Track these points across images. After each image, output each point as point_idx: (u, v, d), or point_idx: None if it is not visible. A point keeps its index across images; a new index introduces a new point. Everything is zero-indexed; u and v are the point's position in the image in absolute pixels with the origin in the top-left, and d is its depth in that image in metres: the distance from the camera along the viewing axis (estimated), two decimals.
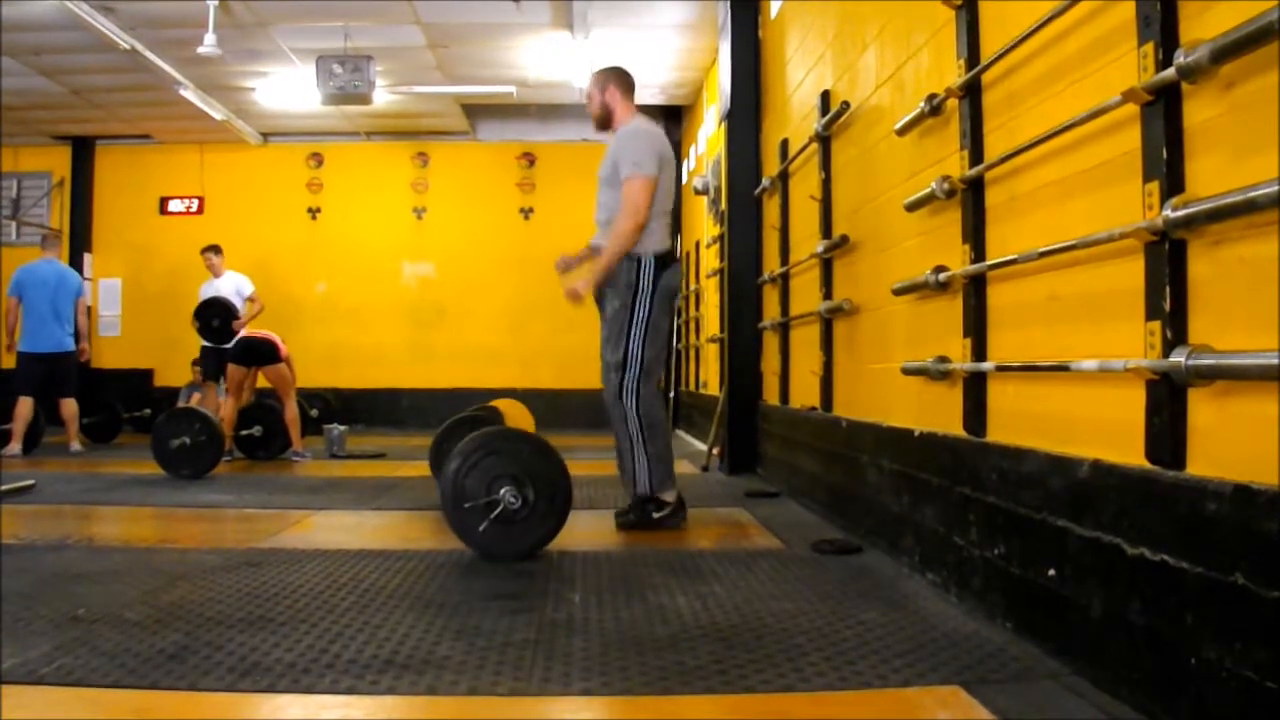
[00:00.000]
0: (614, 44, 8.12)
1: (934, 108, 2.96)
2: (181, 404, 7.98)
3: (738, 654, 2.15)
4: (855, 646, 2.21)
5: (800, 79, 4.98)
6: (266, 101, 9.83)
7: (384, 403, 11.14)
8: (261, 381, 7.19)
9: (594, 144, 4.34)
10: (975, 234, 2.68)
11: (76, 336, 7.85)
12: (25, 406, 7.36)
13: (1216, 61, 1.61)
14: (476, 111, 10.91)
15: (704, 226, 8.49)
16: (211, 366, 7.83)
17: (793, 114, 5.17)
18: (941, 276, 2.86)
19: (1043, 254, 2.23)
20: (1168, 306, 1.76)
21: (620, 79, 4.16)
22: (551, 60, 8.67)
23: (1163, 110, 1.78)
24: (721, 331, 6.54)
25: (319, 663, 2.07)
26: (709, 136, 8.49)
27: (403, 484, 5.58)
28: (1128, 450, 1.88)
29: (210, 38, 7.10)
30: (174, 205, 11.36)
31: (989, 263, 2.58)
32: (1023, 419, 2.44)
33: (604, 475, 4.86)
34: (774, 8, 5.70)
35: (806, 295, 4.73)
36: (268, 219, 11.23)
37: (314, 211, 11.43)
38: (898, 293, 3.24)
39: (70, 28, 7.37)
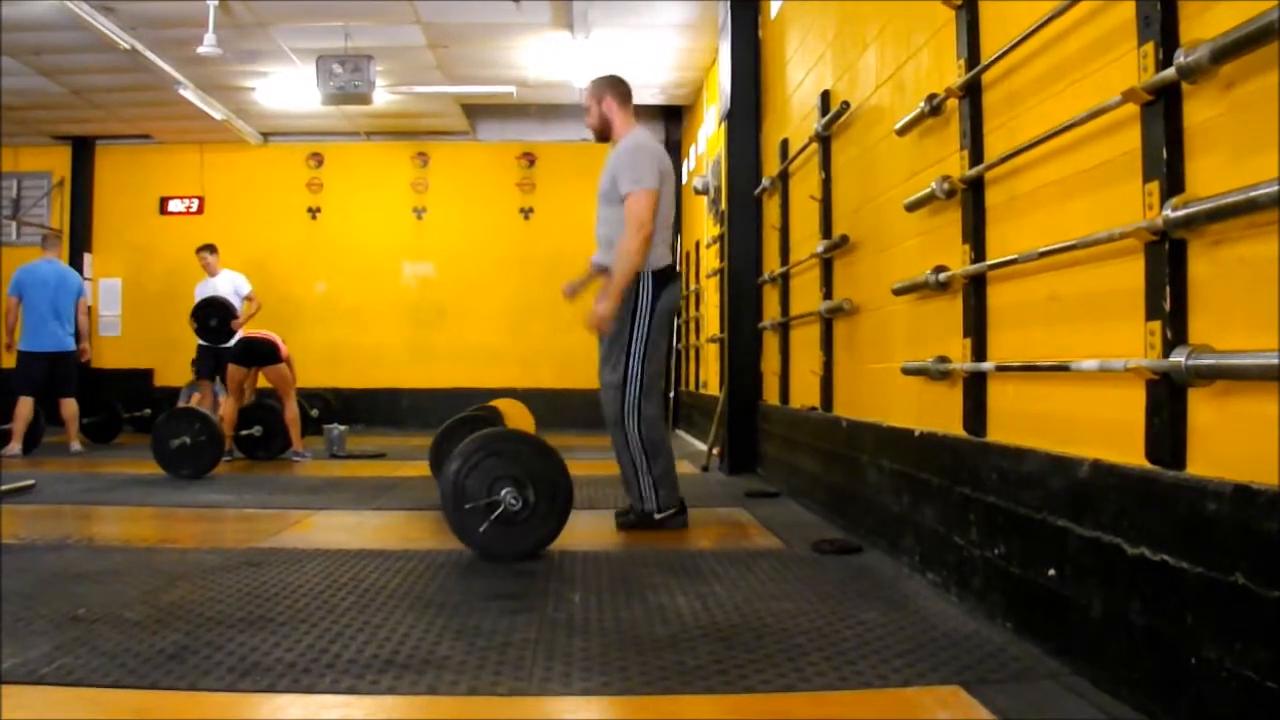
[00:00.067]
0: (614, 44, 8.13)
1: (934, 108, 2.96)
2: (182, 404, 7.97)
3: (738, 654, 2.15)
4: (855, 646, 2.22)
5: (800, 79, 4.98)
6: (266, 101, 9.83)
7: (384, 403, 11.14)
8: (262, 381, 7.19)
9: (594, 144, 4.33)
10: (975, 234, 2.68)
11: (77, 336, 7.85)
12: (25, 406, 7.36)
13: (1216, 61, 1.61)
14: (476, 111, 10.91)
15: (704, 226, 8.49)
16: (207, 366, 7.82)
17: (793, 114, 5.17)
18: (941, 276, 2.86)
19: (1043, 254, 2.23)
20: (1168, 306, 1.76)
21: (616, 89, 4.12)
22: (551, 60, 8.68)
23: (1163, 110, 1.78)
24: (721, 331, 6.54)
25: (319, 663, 2.07)
26: (709, 136, 8.49)
27: (403, 484, 5.58)
28: (1128, 450, 1.88)
29: (210, 38, 7.10)
30: (174, 205, 11.36)
31: (989, 263, 2.58)
32: (1023, 419, 2.44)
33: (604, 475, 4.86)
34: (774, 8, 5.70)
35: (806, 295, 4.73)
36: (268, 219, 11.23)
37: (314, 211, 11.43)
38: (898, 293, 3.24)
39: (70, 28, 7.37)
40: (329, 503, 4.77)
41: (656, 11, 7.58)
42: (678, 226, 7.99)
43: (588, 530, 3.87)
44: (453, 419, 5.51)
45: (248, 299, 7.99)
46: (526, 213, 11.42)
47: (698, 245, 9.08)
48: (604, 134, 4.14)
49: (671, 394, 10.03)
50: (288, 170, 11.36)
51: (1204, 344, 1.69)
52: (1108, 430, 2.00)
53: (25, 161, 11.20)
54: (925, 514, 2.92)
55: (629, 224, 3.82)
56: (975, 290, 2.69)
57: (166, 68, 8.42)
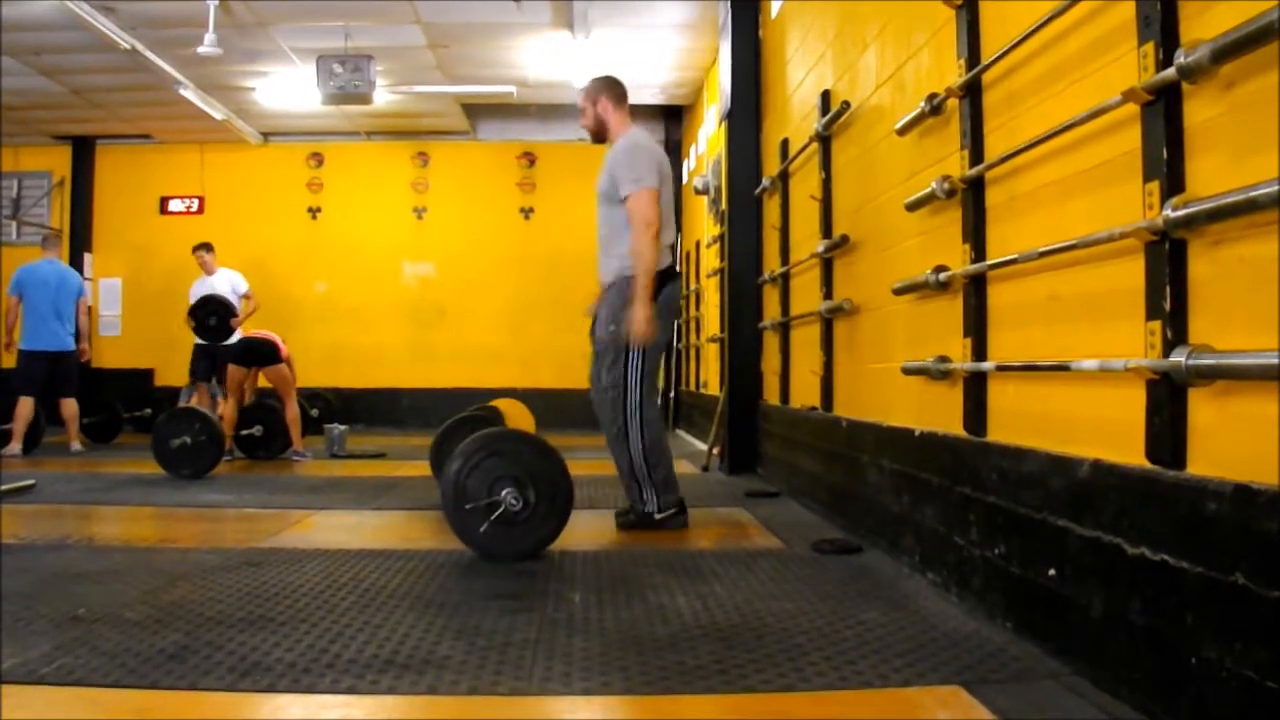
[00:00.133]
0: (614, 44, 8.13)
1: (934, 107, 2.96)
2: (182, 404, 7.97)
3: (738, 654, 2.15)
4: (855, 646, 2.22)
5: (801, 79, 4.98)
6: (267, 101, 9.83)
7: (384, 403, 11.14)
8: (262, 381, 7.19)
9: (594, 144, 4.34)
10: (975, 234, 2.68)
11: (77, 337, 7.85)
12: (26, 406, 7.36)
13: (1217, 61, 1.61)
14: (477, 111, 10.91)
15: (704, 226, 8.49)
16: (203, 367, 7.80)
17: (793, 114, 5.17)
18: (942, 276, 2.86)
19: (1043, 254, 2.23)
20: (1168, 306, 1.76)
21: (611, 89, 4.13)
22: (552, 60, 8.68)
23: (1163, 110, 1.78)
24: (722, 331, 6.54)
25: (319, 662, 2.07)
26: (709, 136, 8.49)
27: (403, 484, 5.58)
28: (1128, 450, 1.88)
29: (210, 37, 7.10)
30: (174, 205, 11.36)
31: (989, 262, 2.58)
32: (1023, 419, 2.44)
33: (604, 475, 4.85)
34: (774, 7, 5.70)
35: (807, 295, 4.73)
36: (268, 219, 11.23)
37: (314, 211, 11.43)
38: (898, 292, 3.24)
39: (70, 27, 7.37)
40: (329, 502, 4.77)
41: (656, 11, 7.58)
42: (678, 226, 7.99)
43: (588, 530, 3.87)
44: (453, 419, 5.51)
45: (245, 298, 7.98)
46: (527, 213, 11.42)
47: (698, 245, 9.08)
48: (600, 135, 4.15)
49: (671, 394, 10.03)
50: (288, 170, 11.36)
51: (1204, 344, 1.68)
52: (1108, 430, 2.00)
53: (25, 161, 11.20)
54: (925, 514, 2.92)
55: (635, 225, 3.83)
56: (975, 290, 2.69)
57: (167, 68, 8.42)
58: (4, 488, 4.83)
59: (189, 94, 9.02)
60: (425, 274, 11.44)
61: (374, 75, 8.04)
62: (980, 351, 2.67)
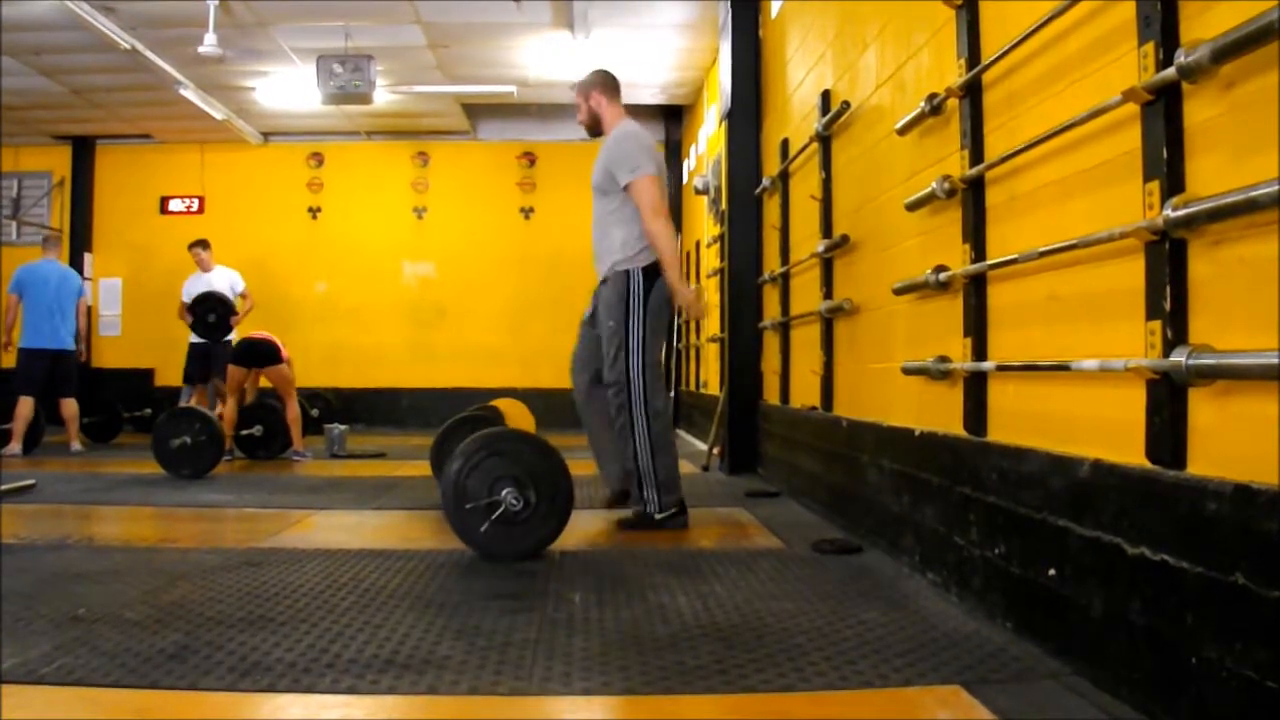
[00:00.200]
0: (614, 44, 8.13)
1: (934, 107, 2.96)
2: (182, 404, 7.97)
3: (738, 653, 2.15)
4: (855, 646, 2.21)
5: (801, 79, 4.98)
6: (267, 101, 9.83)
7: (384, 402, 11.14)
8: (262, 381, 7.19)
9: (595, 144, 4.35)
10: (975, 234, 2.68)
11: (75, 338, 7.85)
12: (26, 406, 7.36)
13: (1217, 61, 1.61)
14: (477, 111, 10.92)
15: (704, 226, 8.49)
16: (198, 368, 7.78)
17: (793, 113, 5.17)
18: (942, 276, 2.86)
19: (1043, 254, 2.23)
20: (1168, 306, 1.76)
21: (604, 83, 4.17)
22: (552, 60, 8.68)
23: (1163, 110, 1.78)
24: (722, 331, 6.54)
25: (319, 662, 2.07)
26: (709, 136, 8.49)
27: (403, 484, 5.58)
28: (1128, 450, 1.88)
29: (210, 37, 7.10)
30: (174, 205, 11.37)
31: (989, 262, 2.58)
32: (1023, 419, 2.44)
33: None
34: (774, 7, 5.70)
35: (807, 295, 4.73)
36: (268, 219, 11.24)
37: (314, 211, 11.43)
38: (898, 292, 3.24)
39: (70, 27, 7.37)
40: (329, 502, 4.77)
41: (656, 11, 7.58)
42: (678, 226, 7.99)
43: (588, 530, 3.87)
44: (454, 419, 5.51)
45: (242, 296, 7.96)
46: (527, 212, 11.42)
47: (698, 245, 9.08)
48: (595, 129, 4.21)
49: (672, 394, 10.03)
50: (288, 170, 11.36)
51: (1204, 344, 1.68)
52: (1108, 430, 2.00)
53: (25, 161, 11.20)
54: (925, 514, 2.92)
55: (643, 212, 3.88)
56: (975, 290, 2.69)
57: (167, 68, 8.42)
58: (4, 488, 4.83)
59: (189, 94, 9.02)
60: (425, 274, 11.44)
61: (374, 75, 8.04)
62: (980, 351, 2.67)
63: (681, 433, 9.67)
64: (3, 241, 10.81)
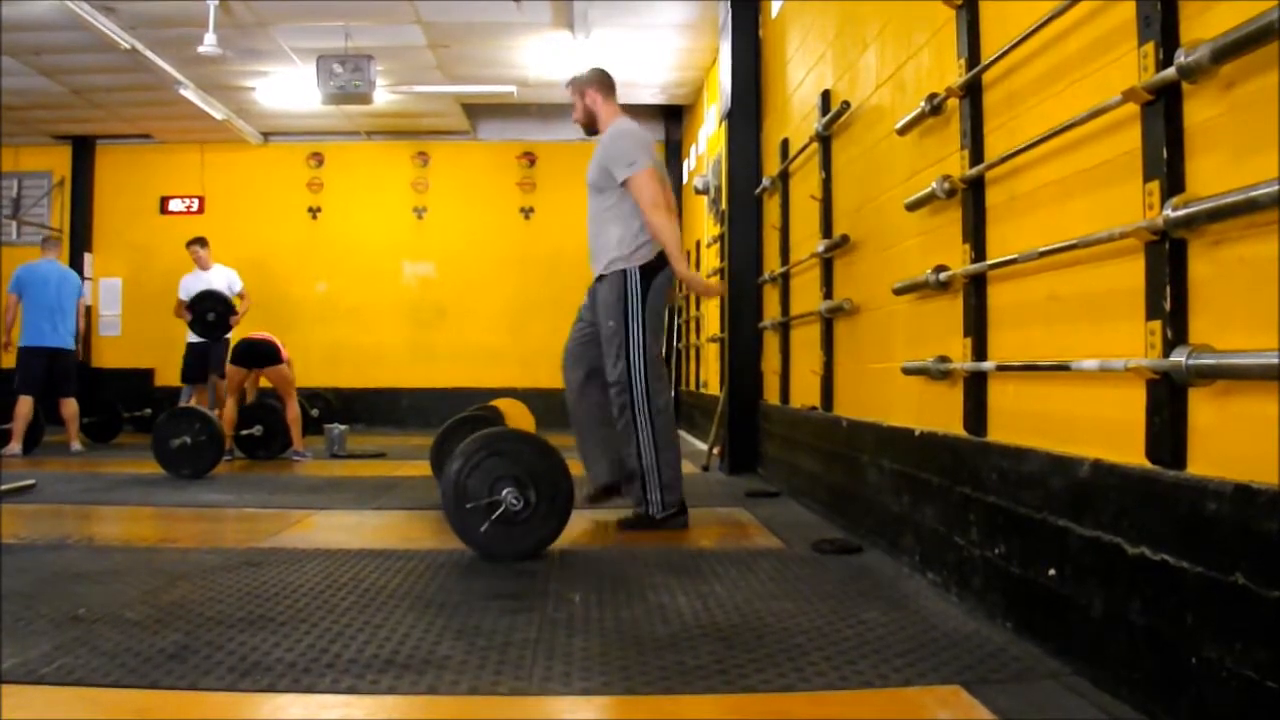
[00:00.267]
0: (614, 44, 8.13)
1: (934, 107, 2.96)
2: (182, 404, 7.97)
3: (738, 653, 2.15)
4: (855, 646, 2.21)
5: (801, 79, 4.98)
6: (267, 101, 9.83)
7: (384, 402, 11.14)
8: (262, 381, 7.19)
9: (589, 138, 4.36)
10: (975, 233, 2.68)
11: (74, 338, 7.85)
12: (25, 406, 7.36)
13: (1217, 61, 1.61)
14: (477, 111, 10.91)
15: (704, 226, 8.49)
16: (197, 368, 7.77)
17: (793, 113, 5.17)
18: (942, 276, 2.86)
19: (1043, 253, 2.23)
20: (1168, 306, 1.76)
21: (599, 81, 4.18)
22: (552, 60, 8.68)
23: (1163, 110, 1.78)
24: (722, 331, 6.54)
25: (319, 662, 2.07)
26: (709, 136, 8.49)
27: (403, 484, 5.58)
28: (1128, 450, 1.88)
29: (210, 37, 7.10)
30: (174, 205, 11.37)
31: (989, 262, 2.58)
32: (1023, 418, 2.44)
33: None
34: (774, 7, 5.70)
35: (807, 295, 4.73)
36: (268, 219, 11.24)
37: (314, 211, 11.43)
38: (898, 292, 3.24)
39: (70, 27, 7.37)
40: (329, 502, 4.77)
41: (656, 11, 7.58)
42: (678, 223, 7.97)
43: (588, 530, 3.87)
44: (454, 419, 5.51)
45: (240, 296, 7.94)
46: (527, 212, 11.42)
47: (698, 245, 9.08)
48: (592, 127, 4.22)
49: (672, 394, 10.03)
50: (288, 170, 11.36)
51: (1204, 344, 1.68)
52: (1108, 430, 2.00)
53: (25, 161, 11.20)
54: (925, 514, 2.92)
55: (643, 206, 3.88)
56: (975, 290, 2.69)
57: (167, 67, 8.42)
58: (4, 488, 4.83)
59: (189, 94, 9.02)
60: (425, 274, 11.44)
61: (374, 75, 8.04)
62: (980, 351, 2.67)
63: (681, 433, 9.66)
64: (3, 241, 10.81)
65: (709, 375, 8.25)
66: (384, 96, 9.08)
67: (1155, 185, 1.80)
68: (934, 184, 2.87)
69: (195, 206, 11.35)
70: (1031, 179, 2.40)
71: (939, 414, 2.92)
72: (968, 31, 2.74)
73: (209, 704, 1.86)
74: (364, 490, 5.27)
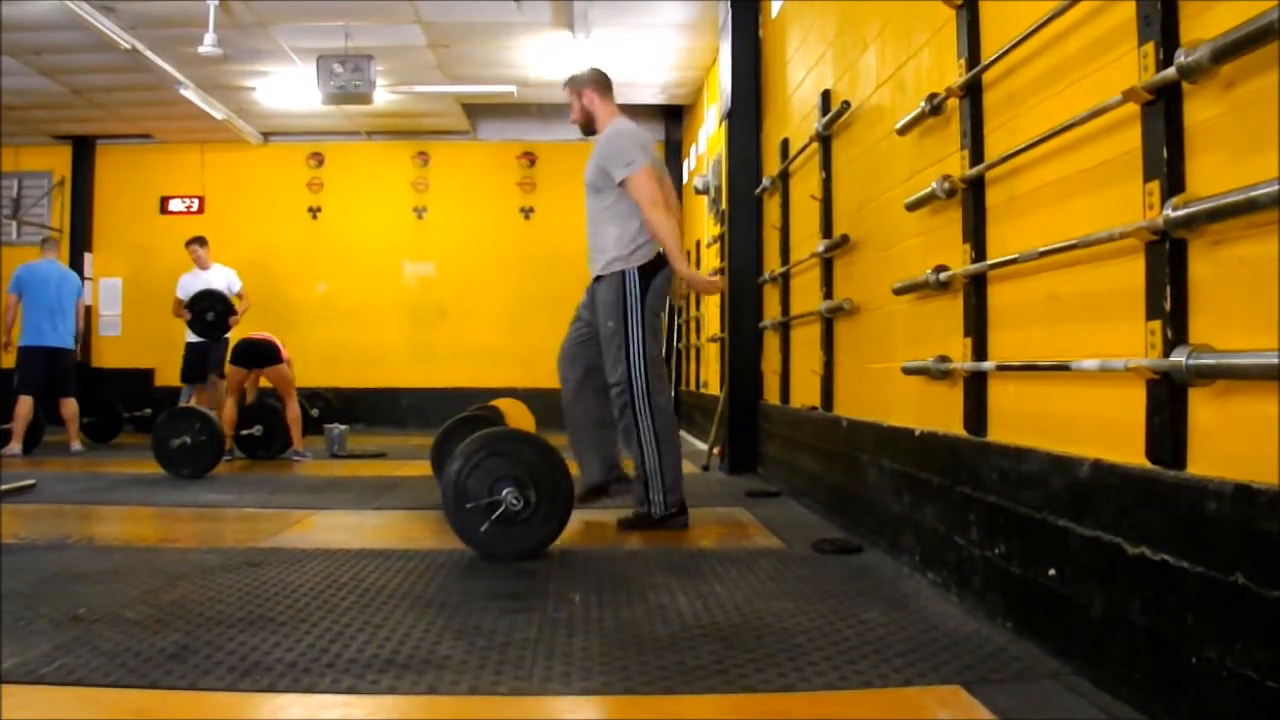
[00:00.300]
0: (614, 44, 8.13)
1: (934, 107, 2.96)
2: (182, 404, 7.97)
3: (738, 653, 2.15)
4: (856, 646, 2.21)
5: (801, 78, 4.98)
6: (267, 101, 9.83)
7: (384, 402, 11.14)
8: (262, 381, 7.19)
9: (587, 138, 4.36)
10: (976, 233, 2.68)
11: (74, 338, 7.85)
12: (25, 406, 7.36)
13: (1217, 61, 1.61)
14: (477, 111, 10.92)
15: (704, 226, 8.49)
16: (196, 368, 7.76)
17: (793, 113, 5.17)
18: (942, 276, 2.86)
19: (1043, 253, 2.23)
20: (1168, 306, 1.76)
21: (595, 81, 4.18)
22: (552, 60, 8.68)
23: (1163, 110, 1.78)
24: (722, 331, 6.54)
25: (319, 662, 2.07)
26: (709, 136, 8.49)
27: (403, 484, 5.58)
28: (1128, 450, 1.88)
29: (211, 37, 7.10)
30: (174, 205, 11.37)
31: (989, 262, 2.58)
32: (1023, 418, 2.44)
33: None
34: (774, 7, 5.70)
35: (807, 295, 4.73)
36: (268, 218, 11.24)
37: (314, 211, 11.43)
38: (898, 292, 3.24)
39: (71, 27, 7.37)
40: (329, 502, 4.77)
41: (656, 11, 7.58)
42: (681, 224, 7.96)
43: (588, 530, 3.87)
44: (454, 419, 5.51)
45: (239, 297, 7.92)
46: (527, 212, 11.42)
47: (698, 245, 9.08)
48: (589, 128, 4.22)
49: (672, 393, 10.03)
50: (288, 170, 11.36)
51: (1204, 344, 1.68)
52: (1108, 430, 2.00)
53: (26, 161, 11.20)
54: (925, 514, 2.92)
55: (642, 206, 3.88)
56: (976, 290, 2.69)
57: (167, 67, 8.42)
58: (4, 488, 4.83)
59: (189, 94, 9.02)
60: (425, 274, 11.44)
61: (374, 75, 8.04)
62: (980, 351, 2.67)
63: (681, 433, 9.66)
64: (3, 241, 10.81)
65: (709, 375, 8.25)
66: (384, 96, 9.08)
67: (1155, 185, 1.80)
68: (934, 184, 2.87)
69: (195, 206, 11.35)
70: (1031, 179, 2.40)
71: (939, 414, 2.92)
72: (968, 31, 2.74)
73: (209, 704, 1.86)
74: (364, 490, 5.27)
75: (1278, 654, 1.40)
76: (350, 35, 7.96)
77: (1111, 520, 1.89)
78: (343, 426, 7.77)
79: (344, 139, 11.36)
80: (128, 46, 7.72)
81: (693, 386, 9.45)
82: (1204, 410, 1.71)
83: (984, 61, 2.61)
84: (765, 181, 5.63)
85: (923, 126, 3.12)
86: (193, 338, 7.77)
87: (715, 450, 6.38)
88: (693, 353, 9.50)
